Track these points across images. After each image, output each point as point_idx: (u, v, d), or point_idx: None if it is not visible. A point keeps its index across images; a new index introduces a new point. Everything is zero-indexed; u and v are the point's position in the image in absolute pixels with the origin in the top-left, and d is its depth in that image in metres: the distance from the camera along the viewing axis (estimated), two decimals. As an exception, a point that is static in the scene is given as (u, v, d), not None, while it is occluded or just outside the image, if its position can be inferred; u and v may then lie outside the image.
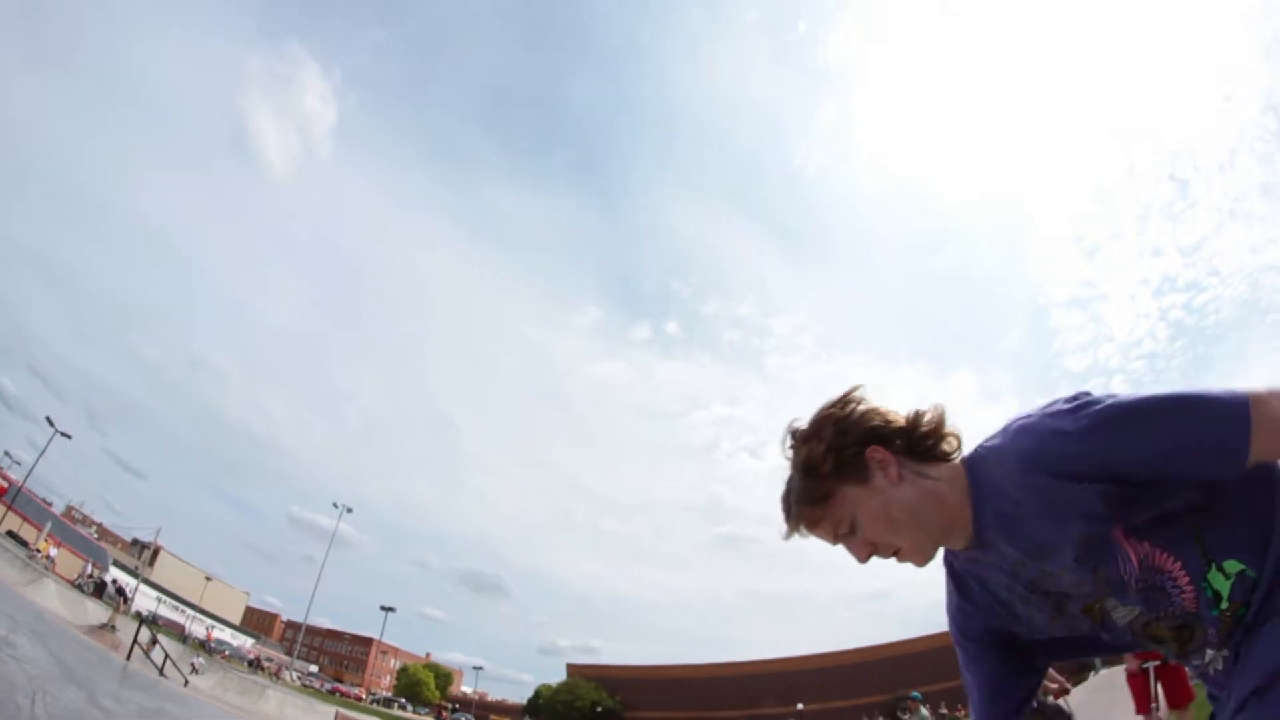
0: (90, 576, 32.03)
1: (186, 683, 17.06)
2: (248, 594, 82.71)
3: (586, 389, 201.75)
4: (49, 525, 34.67)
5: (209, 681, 19.25)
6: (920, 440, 1.06)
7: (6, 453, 39.76)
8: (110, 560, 46.89)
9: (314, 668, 50.61)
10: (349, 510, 45.19)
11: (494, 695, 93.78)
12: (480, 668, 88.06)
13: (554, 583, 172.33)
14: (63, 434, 35.09)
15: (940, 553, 1.09)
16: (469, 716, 71.66)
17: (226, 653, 42.91)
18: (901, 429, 1.06)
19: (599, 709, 56.59)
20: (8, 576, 18.02)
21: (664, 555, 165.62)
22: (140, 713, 8.36)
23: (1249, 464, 0.86)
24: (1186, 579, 0.93)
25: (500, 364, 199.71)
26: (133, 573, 45.40)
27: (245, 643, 57.92)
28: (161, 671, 16.17)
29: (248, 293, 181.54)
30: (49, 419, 34.95)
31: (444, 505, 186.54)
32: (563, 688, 70.34)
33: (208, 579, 70.43)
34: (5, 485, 34.54)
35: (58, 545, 33.86)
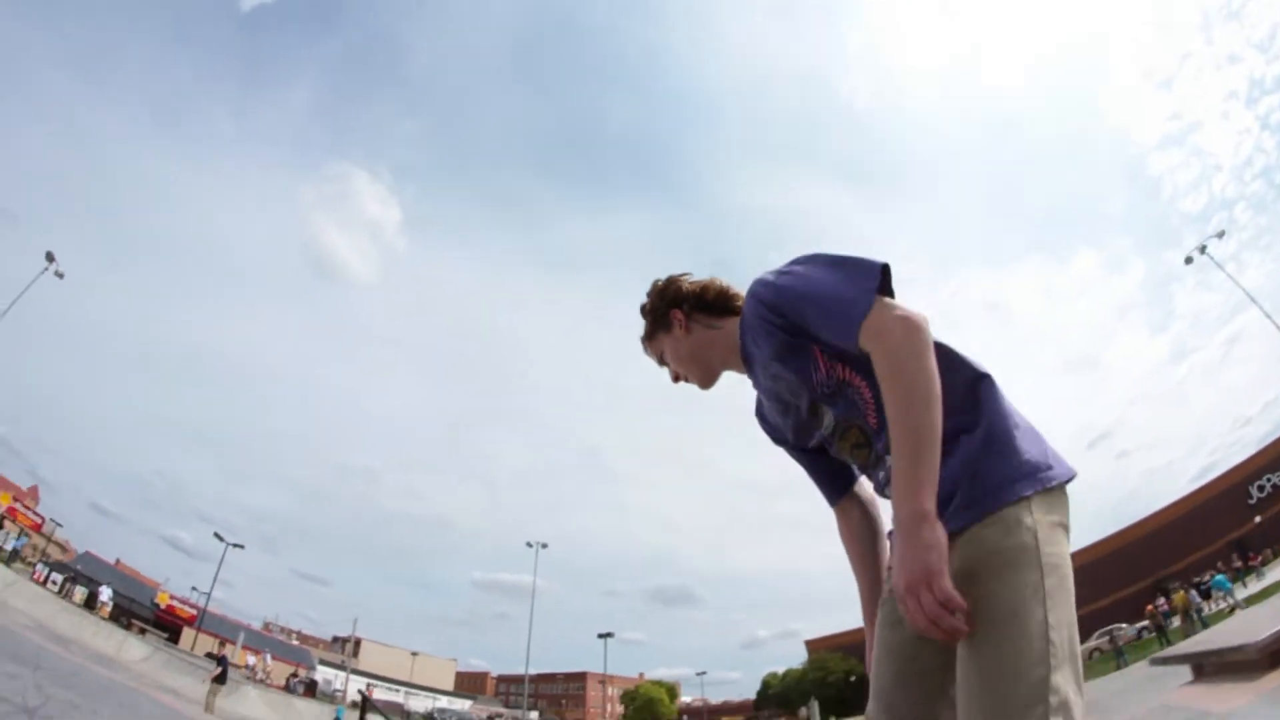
0: (297, 678, 32.40)
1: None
2: (455, 660, 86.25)
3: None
4: (241, 637, 35.77)
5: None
6: (709, 303, 1.48)
7: (194, 588, 41.94)
8: (315, 660, 49.00)
9: (534, 714, 50.70)
10: (544, 546, 44.13)
11: (714, 699, 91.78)
12: (704, 673, 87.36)
13: (741, 578, 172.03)
14: (235, 545, 36.02)
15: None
16: None
17: (455, 720, 43.22)
18: (694, 295, 1.48)
19: (852, 678, 52.75)
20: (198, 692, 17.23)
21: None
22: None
23: (860, 349, 1.13)
24: (870, 396, 1.19)
25: (620, 382, 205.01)
26: (339, 666, 46.91)
27: (464, 705, 59.14)
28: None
29: (372, 392, 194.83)
30: (217, 534, 35.80)
31: (616, 531, 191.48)
32: (812, 664, 66.38)
33: (413, 654, 73.46)
34: (195, 613, 35.96)
35: (255, 654, 34.72)
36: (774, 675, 74.41)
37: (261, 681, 26.79)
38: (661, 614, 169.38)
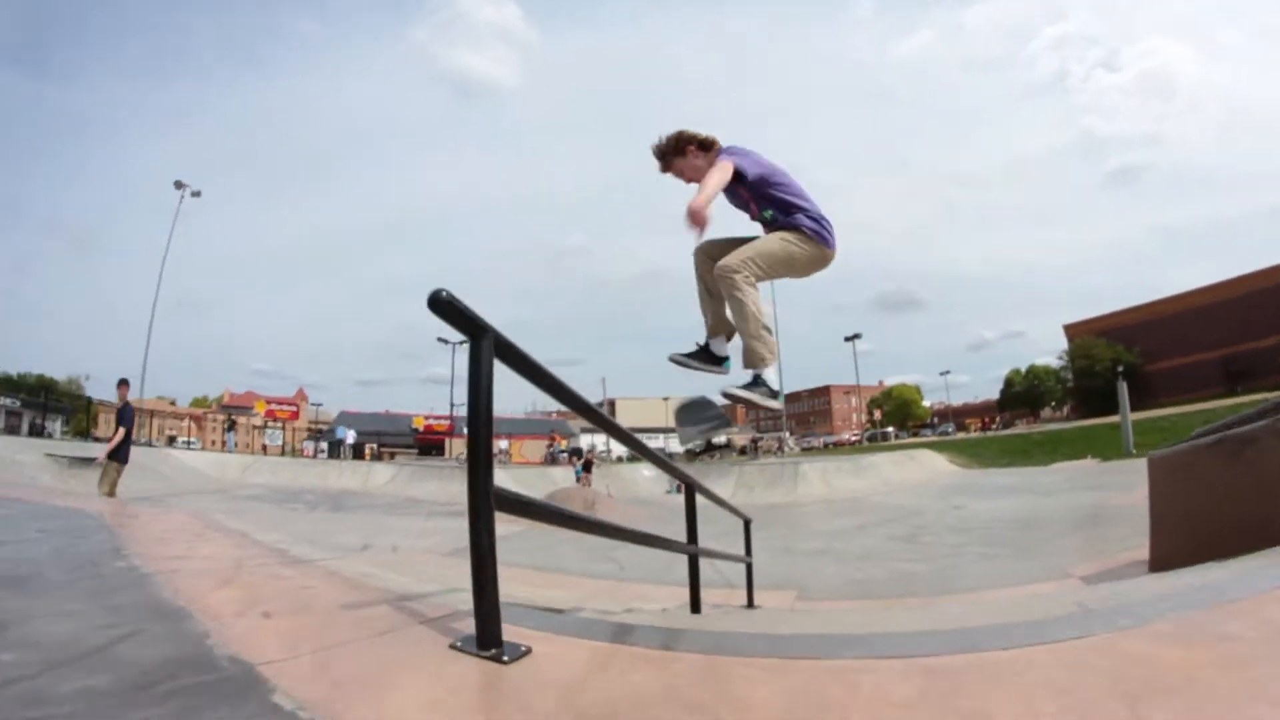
0: (551, 447, 34.37)
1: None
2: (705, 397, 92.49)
3: (902, 72, 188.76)
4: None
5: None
6: (704, 145, 2.76)
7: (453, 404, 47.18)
8: (577, 430, 53.86)
9: (788, 435, 52.40)
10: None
11: (953, 402, 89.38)
12: (947, 372, 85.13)
13: (960, 277, 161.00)
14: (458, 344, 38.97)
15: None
16: (950, 426, 68.83)
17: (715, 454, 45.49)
18: (699, 139, 2.76)
19: (1120, 367, 46.11)
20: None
21: (1056, 213, 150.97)
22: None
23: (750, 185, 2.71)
24: (755, 209, 2.80)
25: (810, 86, 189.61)
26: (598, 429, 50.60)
27: (721, 437, 62.55)
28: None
29: (559, 179, 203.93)
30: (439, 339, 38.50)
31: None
32: (1076, 351, 61.14)
33: (664, 399, 79.38)
34: (450, 424, 41.18)
35: (508, 439, 37.91)
36: (1016, 372, 70.82)
37: (503, 463, 28.55)
38: (888, 320, 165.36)
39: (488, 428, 1.50)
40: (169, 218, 29.91)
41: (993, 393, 76.08)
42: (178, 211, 30.29)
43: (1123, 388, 22.33)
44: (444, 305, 1.40)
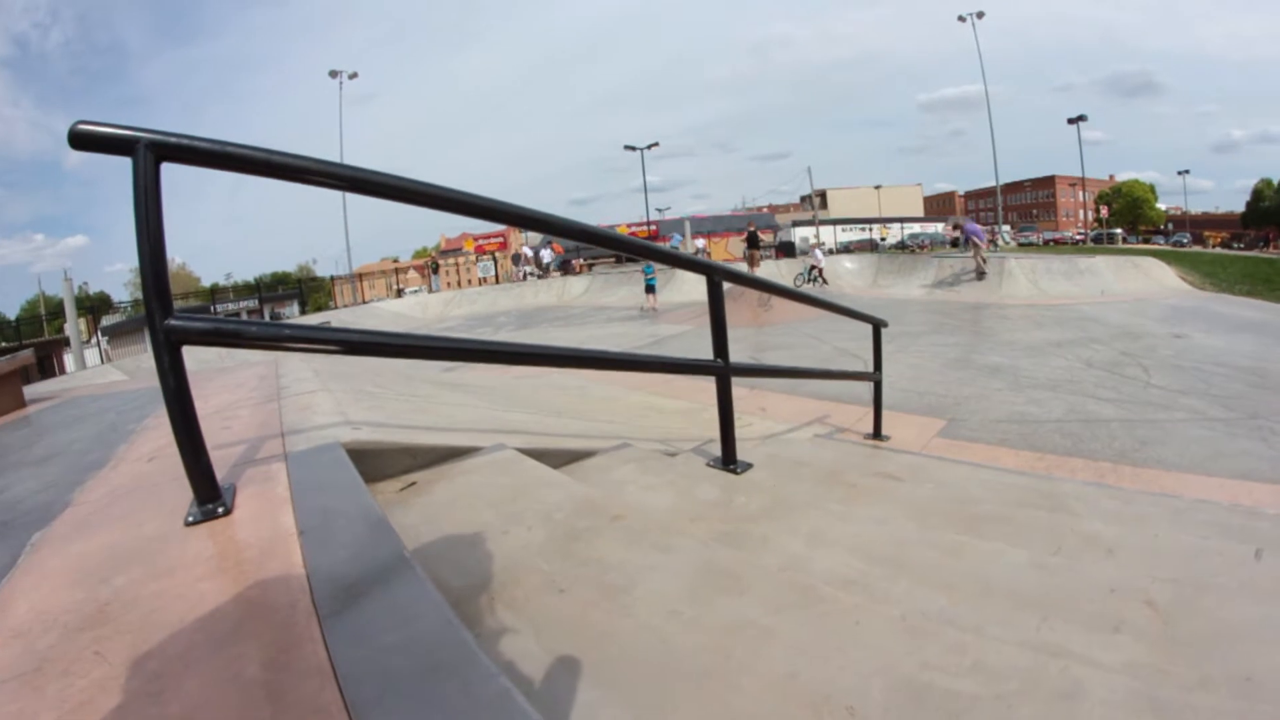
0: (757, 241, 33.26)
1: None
2: (920, 185, 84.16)
3: None
4: (687, 227, 37.75)
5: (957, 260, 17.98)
6: None
7: (658, 210, 47.24)
8: (788, 224, 51.64)
9: (1006, 228, 45.46)
10: (980, 15, 35.92)
11: (1190, 209, 71.42)
12: (1186, 171, 67.60)
13: (1210, 60, 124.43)
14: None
15: None
16: (1186, 236, 55.12)
17: (925, 243, 41.81)
18: None
19: None
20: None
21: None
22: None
23: None
24: None
25: None
26: (810, 223, 48.41)
27: (935, 227, 56.77)
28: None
29: None
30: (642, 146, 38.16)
31: (1055, 10, 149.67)
32: None
33: (876, 188, 73.53)
34: (653, 230, 40.40)
35: (705, 238, 37.33)
36: (1267, 183, 57.72)
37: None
38: (1121, 107, 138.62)
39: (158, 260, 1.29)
40: (350, 108, 32.82)
41: (1237, 204, 63.03)
42: (341, 98, 33.02)
43: None
44: (83, 138, 1.21)
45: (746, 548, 1.78)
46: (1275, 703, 1.09)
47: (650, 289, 16.76)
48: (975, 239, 17.02)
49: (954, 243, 32.51)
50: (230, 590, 1.10)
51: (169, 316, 1.28)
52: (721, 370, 2.63)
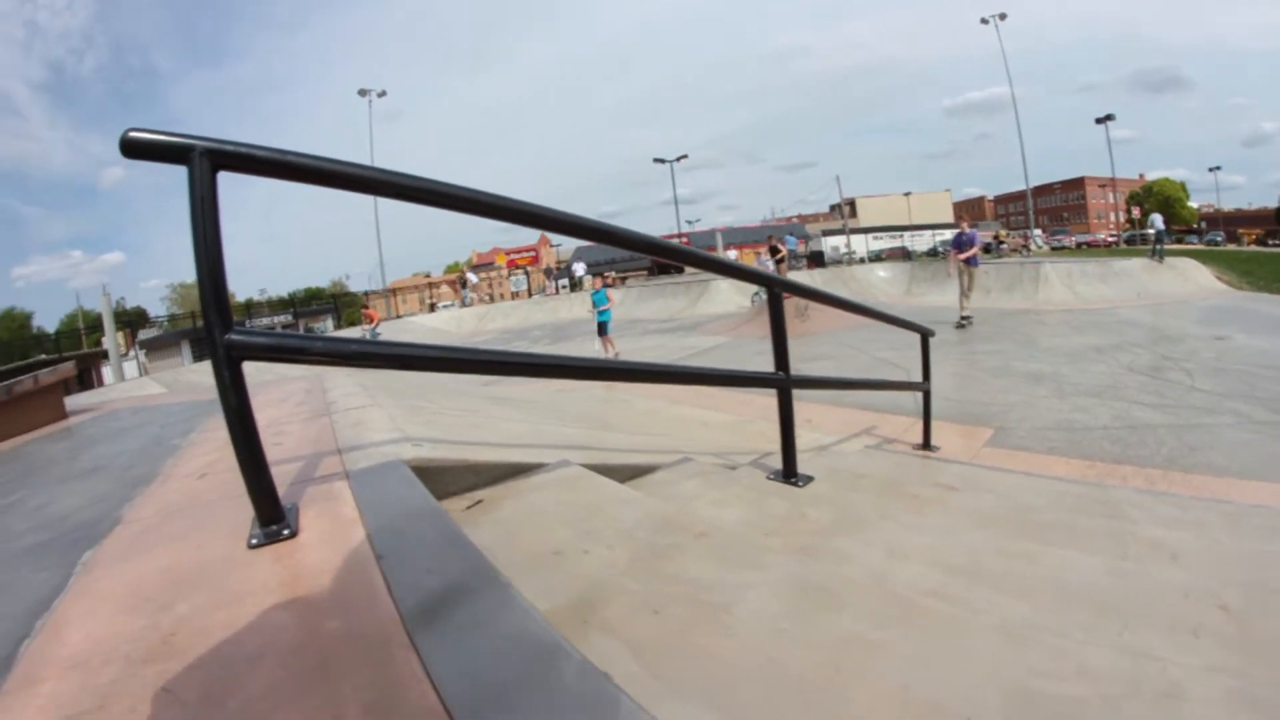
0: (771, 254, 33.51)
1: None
2: (949, 191, 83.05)
3: None
4: (719, 238, 38.61)
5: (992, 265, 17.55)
6: None
7: (688, 221, 47.90)
8: (818, 233, 51.50)
9: (1038, 232, 45.09)
10: (1001, 17, 35.88)
11: (1223, 206, 69.40)
12: (1217, 168, 65.43)
13: (1237, 53, 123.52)
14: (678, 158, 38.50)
15: None
16: (1220, 234, 52.92)
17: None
18: None
19: None
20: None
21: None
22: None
23: None
24: None
25: None
26: (840, 231, 48.32)
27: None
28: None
29: None
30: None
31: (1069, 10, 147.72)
32: None
33: (906, 195, 72.95)
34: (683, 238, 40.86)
35: (737, 249, 37.61)
36: None
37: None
38: (1148, 104, 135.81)
39: (218, 271, 1.23)
40: (377, 125, 34.30)
41: (1270, 199, 61.24)
42: (370, 115, 34.57)
43: None
44: (136, 146, 1.15)
45: (830, 561, 1.79)
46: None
47: (602, 327, 11.61)
48: (952, 251, 12.27)
49: (986, 249, 32.05)
50: (309, 620, 1.02)
51: (229, 331, 1.21)
52: (784, 382, 2.62)
